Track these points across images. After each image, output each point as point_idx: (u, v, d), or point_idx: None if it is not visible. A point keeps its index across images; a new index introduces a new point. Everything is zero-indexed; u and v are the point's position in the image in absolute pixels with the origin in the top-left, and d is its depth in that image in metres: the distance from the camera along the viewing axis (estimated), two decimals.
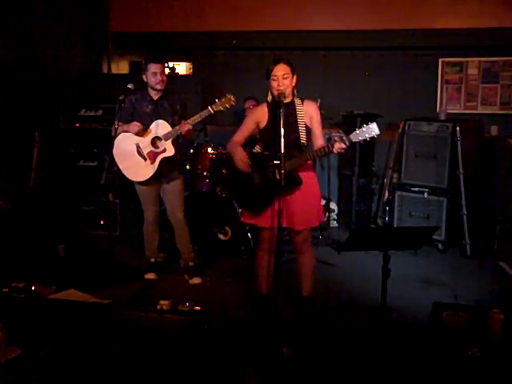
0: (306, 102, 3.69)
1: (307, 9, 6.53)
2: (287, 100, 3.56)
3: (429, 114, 5.92)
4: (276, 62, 3.57)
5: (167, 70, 7.51)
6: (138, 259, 4.93)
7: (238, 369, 3.08)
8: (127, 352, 2.88)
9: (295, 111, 3.64)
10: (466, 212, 5.38)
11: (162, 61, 4.39)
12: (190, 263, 4.63)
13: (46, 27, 6.23)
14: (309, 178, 3.69)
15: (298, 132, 3.61)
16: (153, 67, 4.29)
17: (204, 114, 4.16)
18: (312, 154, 3.55)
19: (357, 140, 3.33)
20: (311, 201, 3.71)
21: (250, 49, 6.92)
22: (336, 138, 3.46)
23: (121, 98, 4.24)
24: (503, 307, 2.98)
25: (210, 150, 5.46)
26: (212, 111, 4.13)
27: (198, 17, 6.84)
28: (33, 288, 3.48)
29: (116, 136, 4.31)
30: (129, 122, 4.33)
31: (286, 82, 3.54)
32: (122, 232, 5.87)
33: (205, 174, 5.47)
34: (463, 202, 5.38)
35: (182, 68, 8.47)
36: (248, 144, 4.05)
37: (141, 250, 4.90)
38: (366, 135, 3.29)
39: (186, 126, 4.18)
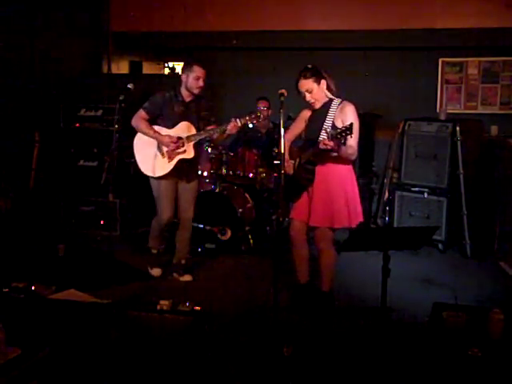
0: (343, 105, 3.73)
1: (307, 9, 6.52)
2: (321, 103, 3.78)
3: (429, 114, 5.91)
4: (298, 78, 3.74)
5: (167, 70, 7.52)
6: (137, 259, 4.93)
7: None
8: (127, 352, 2.88)
9: (327, 112, 3.74)
10: (466, 212, 5.38)
11: (206, 67, 4.35)
12: (183, 261, 4.68)
13: (46, 27, 6.23)
14: (335, 177, 3.76)
15: (319, 130, 3.71)
16: (198, 71, 4.27)
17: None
18: (309, 152, 3.71)
19: (336, 137, 3.40)
20: (331, 200, 3.75)
21: (250, 49, 6.91)
22: (322, 136, 3.61)
23: (121, 97, 4.24)
24: (503, 307, 2.98)
25: (209, 150, 5.45)
26: (240, 124, 4.14)
27: (198, 17, 6.84)
28: (33, 288, 3.47)
29: (134, 124, 4.31)
30: (155, 116, 4.32)
31: (313, 95, 3.74)
32: (122, 232, 5.87)
33: (205, 174, 5.47)
34: (463, 202, 5.38)
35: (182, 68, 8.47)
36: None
37: (141, 250, 4.90)
38: (343, 134, 3.37)
39: (233, 128, 4.16)
